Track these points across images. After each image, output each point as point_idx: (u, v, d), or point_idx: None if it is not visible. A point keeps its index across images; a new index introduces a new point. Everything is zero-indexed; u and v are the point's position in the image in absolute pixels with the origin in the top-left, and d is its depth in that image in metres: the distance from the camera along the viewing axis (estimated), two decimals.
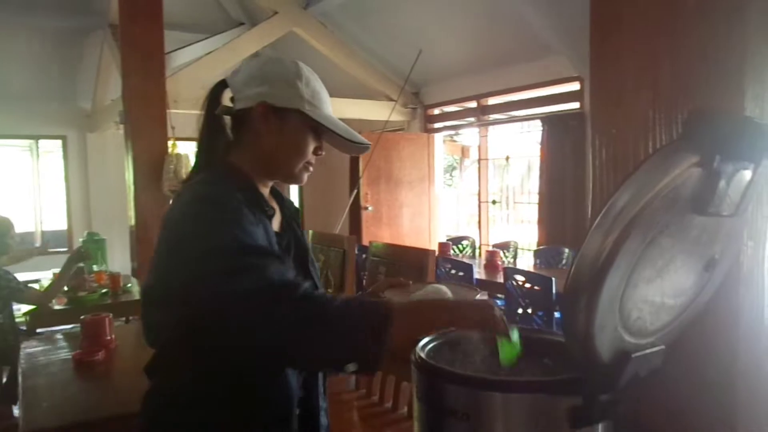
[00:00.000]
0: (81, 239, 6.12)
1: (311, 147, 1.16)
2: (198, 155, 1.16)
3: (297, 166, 1.16)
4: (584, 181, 5.30)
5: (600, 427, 0.97)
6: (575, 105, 5.45)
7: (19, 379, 2.06)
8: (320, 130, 1.16)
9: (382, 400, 2.41)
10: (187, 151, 6.94)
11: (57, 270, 4.32)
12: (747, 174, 0.81)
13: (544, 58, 5.44)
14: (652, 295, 0.88)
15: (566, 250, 4.88)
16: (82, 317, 2.35)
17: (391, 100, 7.09)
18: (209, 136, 1.16)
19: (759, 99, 0.99)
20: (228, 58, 6.37)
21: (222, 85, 1.18)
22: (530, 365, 1.09)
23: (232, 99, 1.17)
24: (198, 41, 6.83)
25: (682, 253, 0.87)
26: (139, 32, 5.32)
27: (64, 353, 2.37)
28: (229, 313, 0.89)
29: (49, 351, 2.44)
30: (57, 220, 8.34)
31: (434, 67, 6.53)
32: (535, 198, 6.19)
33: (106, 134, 8.03)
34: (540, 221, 5.73)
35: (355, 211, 7.14)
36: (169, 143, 5.51)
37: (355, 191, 7.00)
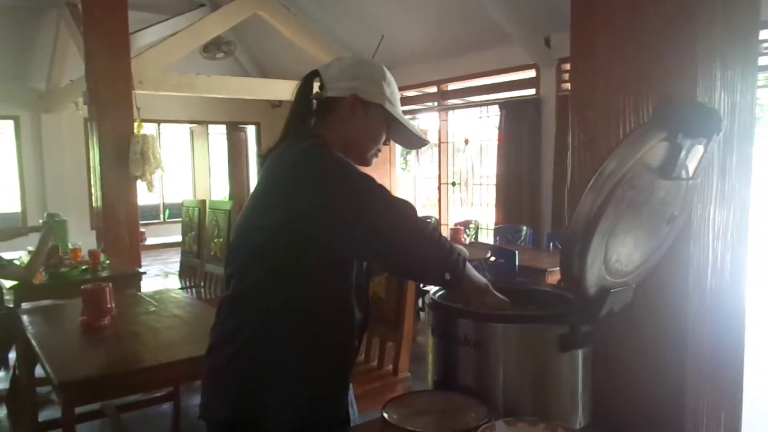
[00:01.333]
0: (41, 221, 6.07)
1: (383, 137, 1.37)
2: (289, 124, 1.36)
3: (370, 152, 1.37)
4: (540, 163, 5.65)
5: (580, 352, 1.23)
6: (531, 91, 5.77)
7: (33, 341, 2.18)
8: (392, 124, 1.36)
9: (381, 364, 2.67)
10: (152, 132, 6.94)
11: (31, 248, 4.40)
12: (701, 148, 1.06)
13: (502, 46, 5.73)
14: (627, 243, 1.13)
15: (524, 228, 5.21)
16: (83, 287, 2.47)
17: None
18: (301, 111, 1.35)
19: (708, 89, 1.25)
20: (192, 39, 6.40)
21: (314, 74, 1.36)
22: (520, 308, 1.34)
23: (320, 86, 1.35)
24: (160, 22, 6.81)
25: (651, 210, 1.12)
26: (103, 12, 5.30)
27: (66, 322, 2.48)
28: (385, 217, 1.18)
29: (49, 320, 2.55)
30: (9, 203, 8.17)
31: (396, 52, 6.72)
32: (490, 180, 6.52)
33: (62, 115, 7.89)
34: (497, 202, 6.05)
35: None
36: (135, 124, 5.52)
37: None
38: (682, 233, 1.23)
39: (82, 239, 5.09)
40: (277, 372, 1.22)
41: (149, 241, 8.55)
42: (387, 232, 1.19)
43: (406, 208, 1.21)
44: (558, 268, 3.47)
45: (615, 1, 1.36)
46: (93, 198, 5.99)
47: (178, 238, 7.31)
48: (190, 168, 10.13)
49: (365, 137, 1.36)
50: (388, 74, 1.39)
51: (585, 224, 1.05)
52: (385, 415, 1.15)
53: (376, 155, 1.40)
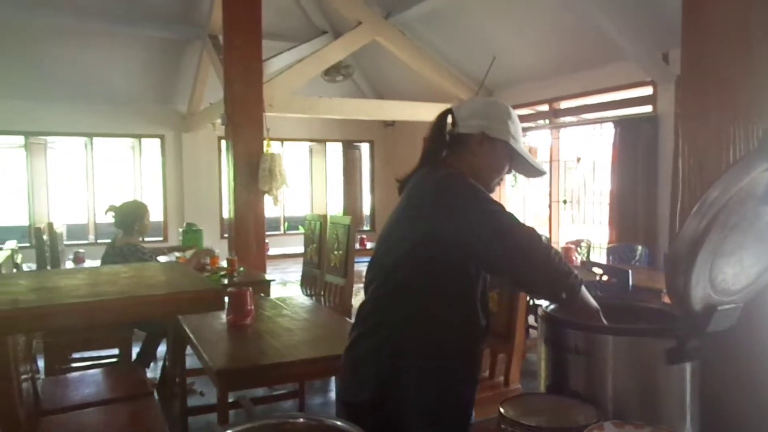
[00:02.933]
0: (181, 229, 6.78)
1: (507, 168, 1.57)
2: (425, 154, 1.59)
3: (494, 181, 1.58)
4: (657, 181, 5.50)
5: (689, 365, 1.32)
6: (648, 108, 5.64)
7: (191, 336, 2.56)
8: (515, 157, 1.56)
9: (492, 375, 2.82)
10: (279, 151, 7.52)
11: (178, 254, 5.06)
12: None
13: (617, 63, 5.65)
14: (732, 264, 1.22)
15: (639, 247, 5.10)
16: (229, 290, 2.83)
17: None
18: (436, 145, 1.57)
19: None
20: (316, 65, 6.89)
21: (448, 112, 1.59)
22: (629, 323, 1.45)
23: (453, 123, 1.57)
24: (287, 50, 7.39)
25: (755, 235, 1.21)
26: (241, 43, 5.89)
27: (214, 321, 2.86)
28: (512, 239, 1.37)
29: (199, 319, 2.94)
30: (153, 213, 9.13)
31: (507, 71, 6.82)
32: (603, 198, 6.40)
33: (199, 134, 8.74)
34: (611, 220, 5.95)
35: None
36: (264, 143, 6.05)
37: None
38: None
39: (215, 246, 5.66)
40: (413, 366, 1.42)
41: (271, 251, 9.19)
42: (516, 250, 1.37)
43: (532, 231, 1.40)
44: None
45: (725, 34, 1.46)
46: (227, 209, 6.60)
47: (297, 249, 7.81)
48: (308, 183, 10.75)
49: (491, 168, 1.56)
50: (513, 113, 1.57)
51: (689, 245, 1.16)
52: (502, 410, 1.32)
53: (498, 183, 1.60)
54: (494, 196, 1.51)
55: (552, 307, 1.54)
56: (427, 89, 7.73)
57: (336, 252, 4.73)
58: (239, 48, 5.89)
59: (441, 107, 6.49)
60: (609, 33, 5.23)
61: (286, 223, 10.88)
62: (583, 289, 1.38)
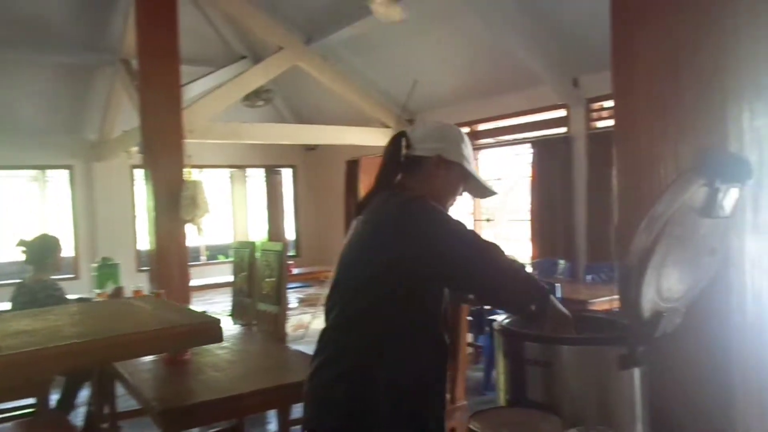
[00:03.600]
0: (94, 265, 6.41)
1: (461, 190, 1.61)
2: (380, 178, 1.59)
3: (449, 203, 1.61)
4: (573, 198, 5.82)
5: (637, 370, 1.41)
6: (562, 130, 5.99)
7: (126, 375, 2.42)
8: (468, 179, 1.60)
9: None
10: (201, 178, 7.31)
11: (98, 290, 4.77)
12: (735, 191, 1.26)
13: (533, 87, 5.98)
14: (675, 273, 1.32)
15: (561, 261, 5.36)
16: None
17: (387, 127, 7.58)
18: (392, 168, 1.59)
19: (737, 141, 1.46)
20: (237, 90, 6.80)
21: (402, 134, 1.61)
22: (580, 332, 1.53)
23: (407, 146, 1.59)
24: (206, 75, 7.25)
25: (694, 245, 1.32)
26: (157, 68, 5.70)
27: (145, 358, 2.71)
28: (478, 258, 1.40)
29: None
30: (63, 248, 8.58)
31: (429, 95, 7.03)
32: (520, 215, 6.71)
33: (111, 164, 8.35)
34: (533, 237, 6.22)
35: None
36: (185, 171, 5.87)
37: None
38: (723, 263, 1.42)
39: (131, 280, 5.40)
40: (384, 390, 1.42)
41: (191, 282, 8.86)
42: (482, 268, 1.41)
43: (497, 249, 1.44)
44: (598, 300, 3.69)
45: (655, 64, 1.59)
46: (144, 241, 6.32)
47: (219, 279, 7.61)
48: (230, 211, 10.51)
49: (447, 190, 1.60)
50: (465, 136, 1.63)
51: (640, 258, 1.25)
52: (472, 426, 1.35)
53: (452, 205, 1.64)
54: None
55: (508, 320, 1.59)
56: (350, 113, 7.82)
57: (268, 279, 4.65)
58: (156, 74, 5.70)
59: (364, 131, 6.73)
60: (525, 59, 5.53)
61: (207, 252, 10.56)
62: (553, 298, 1.43)
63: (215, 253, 10.66)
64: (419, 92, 6.82)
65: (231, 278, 6.55)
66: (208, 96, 6.48)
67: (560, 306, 1.45)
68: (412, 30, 6.31)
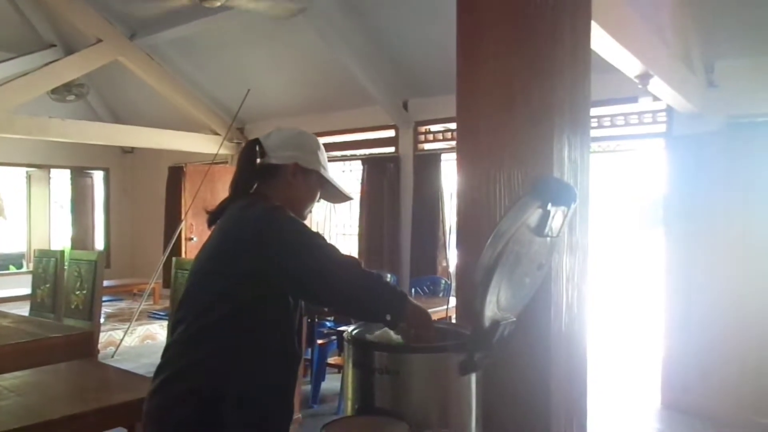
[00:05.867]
0: None
1: (318, 197, 1.60)
2: (236, 187, 1.54)
3: (307, 209, 1.59)
4: (400, 215, 6.13)
5: (474, 375, 1.53)
6: (391, 149, 6.30)
7: None
8: (325, 185, 1.59)
9: None
10: None
11: None
12: (562, 213, 1.45)
13: (365, 106, 6.21)
14: (513, 285, 1.47)
15: (389, 275, 5.58)
16: None
17: (216, 134, 7.31)
18: (247, 176, 1.52)
19: (560, 170, 1.67)
20: (45, 81, 6.11)
21: (255, 142, 1.55)
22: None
23: (261, 153, 1.54)
24: (6, 60, 6.39)
25: (528, 260, 1.48)
26: None
27: None
28: (334, 270, 1.37)
29: None
30: None
31: (261, 105, 6.93)
32: (350, 230, 6.90)
33: None
34: (360, 251, 6.41)
35: (178, 244, 7.17)
36: None
37: (181, 225, 7.05)
38: (546, 277, 1.61)
39: None
40: (235, 406, 1.37)
41: None
42: (342, 281, 1.41)
43: (354, 261, 1.46)
44: (430, 310, 3.86)
45: (493, 101, 1.75)
46: None
47: (10, 292, 6.68)
48: (26, 215, 9.29)
49: (304, 198, 1.60)
50: (320, 143, 1.64)
51: (485, 272, 1.37)
52: None
53: (311, 211, 1.64)
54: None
55: (358, 330, 1.63)
56: (175, 117, 7.41)
57: (78, 293, 4.20)
58: None
59: (191, 136, 6.53)
60: (359, 78, 5.73)
61: None
62: (409, 301, 1.45)
63: (5, 262, 9.35)
64: (251, 101, 6.70)
65: (25, 291, 5.81)
66: (8, 84, 5.71)
67: (418, 306, 1.50)
68: (246, 38, 6.21)
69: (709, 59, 4.39)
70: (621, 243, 8.63)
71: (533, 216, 1.40)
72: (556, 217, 1.43)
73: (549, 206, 1.40)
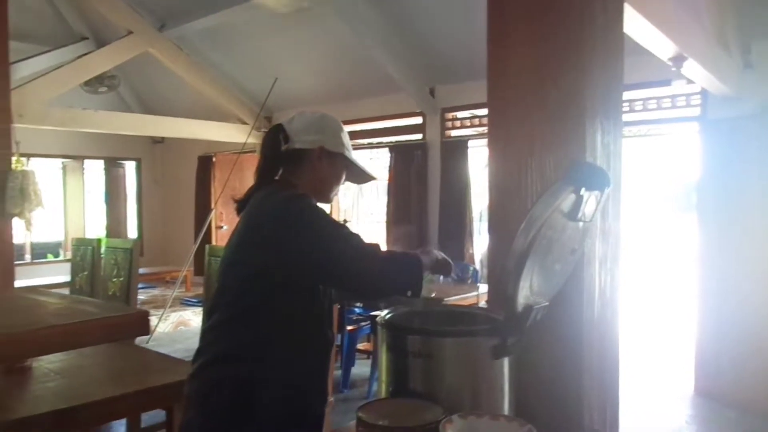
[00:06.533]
0: None
1: (343, 179, 1.61)
2: (261, 174, 1.56)
3: (333, 192, 1.61)
4: (427, 201, 6.14)
5: (507, 359, 1.54)
6: (418, 136, 6.29)
7: None
8: (350, 167, 1.61)
9: None
10: (34, 167, 6.55)
11: None
12: (595, 198, 1.44)
13: (391, 94, 6.20)
14: (545, 270, 1.47)
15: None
16: None
17: (244, 123, 7.38)
18: (272, 162, 1.55)
19: (593, 155, 1.66)
20: (78, 73, 6.23)
21: (278, 128, 1.57)
22: (454, 326, 1.64)
23: (285, 139, 1.56)
24: (37, 54, 6.54)
25: (560, 246, 1.48)
26: None
27: None
28: (354, 257, 1.39)
29: None
30: None
31: (288, 94, 6.98)
32: (375, 217, 6.93)
33: None
34: (388, 238, 6.45)
35: (208, 232, 7.29)
36: (14, 159, 5.25)
37: (212, 214, 7.16)
38: (579, 262, 1.61)
39: None
40: (271, 391, 1.41)
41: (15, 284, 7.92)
42: (358, 268, 1.43)
43: (373, 248, 1.47)
44: (457, 297, 3.91)
45: (524, 84, 1.75)
46: None
47: (48, 280, 6.88)
48: (61, 205, 9.53)
49: (331, 181, 1.61)
50: (342, 125, 1.66)
51: (518, 256, 1.38)
52: (361, 415, 1.38)
53: (336, 194, 1.66)
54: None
55: (391, 314, 1.66)
56: (204, 107, 7.50)
57: (115, 279, 4.32)
58: None
59: (220, 126, 6.55)
60: (385, 66, 5.72)
61: (33, 251, 9.49)
62: (424, 268, 1.47)
63: (43, 251, 9.62)
64: (279, 90, 6.75)
65: (63, 279, 5.98)
66: (43, 77, 5.85)
67: (432, 257, 1.52)
68: (272, 27, 6.24)
69: (745, 40, 4.27)
70: (653, 228, 8.50)
71: (566, 201, 1.40)
72: (590, 202, 1.43)
73: (582, 191, 1.39)
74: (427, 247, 1.55)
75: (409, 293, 1.45)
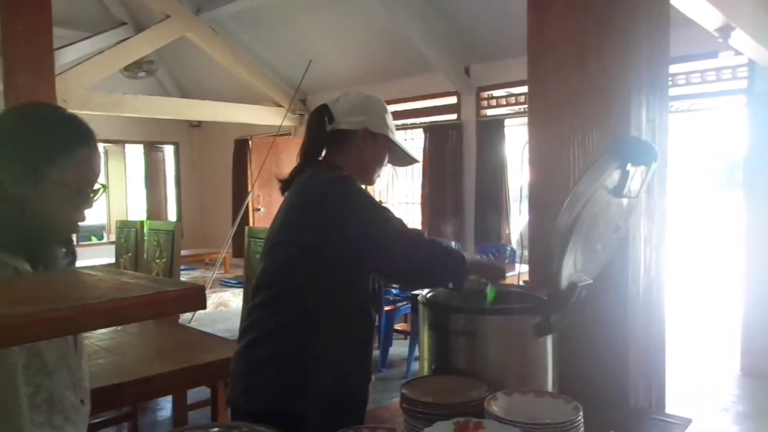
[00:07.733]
0: None
1: (386, 160, 1.62)
2: (305, 154, 1.58)
3: (376, 174, 1.62)
4: (462, 182, 6.09)
5: (550, 336, 1.53)
6: (453, 116, 6.23)
7: None
8: (392, 149, 1.61)
9: None
10: None
11: None
12: (641, 174, 1.41)
13: (426, 73, 6.14)
14: (590, 246, 1.45)
15: (453, 243, 5.59)
16: None
17: (279, 106, 7.43)
18: (316, 143, 1.56)
19: (637, 130, 1.62)
20: (119, 58, 6.34)
21: (324, 108, 1.58)
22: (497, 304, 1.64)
23: (329, 120, 1.57)
24: (79, 40, 6.67)
25: (605, 222, 1.46)
26: (25, 28, 5.15)
27: None
28: (397, 243, 1.39)
29: None
30: None
31: (322, 76, 6.98)
32: (411, 199, 6.92)
33: None
34: (423, 220, 6.44)
35: (246, 214, 7.40)
36: None
37: (249, 196, 7.25)
38: (624, 240, 1.59)
39: None
40: (314, 366, 1.43)
41: None
42: (401, 254, 1.43)
43: (416, 234, 1.49)
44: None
45: (565, 58, 1.71)
46: None
47: (93, 261, 7.10)
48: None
49: (374, 162, 1.62)
50: (386, 106, 1.65)
51: (562, 233, 1.36)
52: (405, 391, 1.40)
53: (379, 175, 1.66)
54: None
55: (431, 293, 1.66)
56: (239, 90, 7.57)
57: (158, 261, 4.43)
58: (23, 34, 5.16)
59: (255, 109, 6.59)
60: (419, 45, 5.66)
61: (77, 234, 9.80)
62: (468, 264, 1.45)
63: (87, 233, 9.92)
64: (313, 73, 6.75)
65: (107, 261, 6.16)
66: (85, 63, 5.98)
67: (477, 261, 1.53)
68: (306, 9, 6.23)
69: None
70: (699, 205, 8.28)
71: (611, 177, 1.37)
72: (635, 177, 1.40)
73: (628, 166, 1.37)
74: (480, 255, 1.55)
75: (450, 285, 1.44)
